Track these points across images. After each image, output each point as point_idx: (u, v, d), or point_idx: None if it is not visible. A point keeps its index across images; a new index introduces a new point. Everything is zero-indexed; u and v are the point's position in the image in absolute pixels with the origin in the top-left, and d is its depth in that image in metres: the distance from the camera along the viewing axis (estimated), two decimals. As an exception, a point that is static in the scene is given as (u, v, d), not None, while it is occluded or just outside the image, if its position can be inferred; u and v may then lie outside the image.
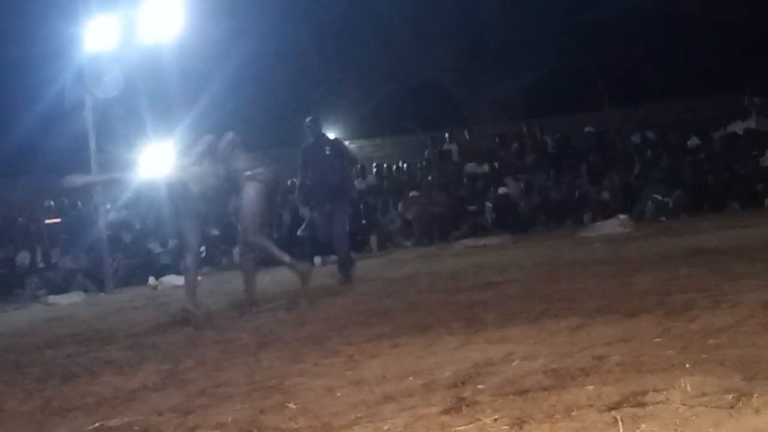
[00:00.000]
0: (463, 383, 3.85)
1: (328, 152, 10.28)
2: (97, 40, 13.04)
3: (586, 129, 17.64)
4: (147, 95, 15.84)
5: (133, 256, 15.32)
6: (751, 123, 15.41)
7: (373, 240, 15.37)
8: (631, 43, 20.95)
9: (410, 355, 4.72)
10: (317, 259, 13.66)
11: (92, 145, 13.64)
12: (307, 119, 10.55)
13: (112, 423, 3.95)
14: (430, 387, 3.87)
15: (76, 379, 5.29)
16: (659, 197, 14.26)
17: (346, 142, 14.73)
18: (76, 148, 14.74)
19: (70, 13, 13.44)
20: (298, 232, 15.46)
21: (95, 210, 14.66)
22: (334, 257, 13.86)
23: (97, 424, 3.96)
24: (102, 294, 13.03)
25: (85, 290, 13.35)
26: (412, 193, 16.57)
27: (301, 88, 17.96)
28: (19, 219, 17.12)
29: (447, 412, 3.39)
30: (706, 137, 15.85)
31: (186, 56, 15.91)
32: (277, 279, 10.29)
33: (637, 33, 21.03)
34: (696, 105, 18.77)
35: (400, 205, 16.41)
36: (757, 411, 2.92)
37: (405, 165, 18.96)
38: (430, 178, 17.19)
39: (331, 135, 13.78)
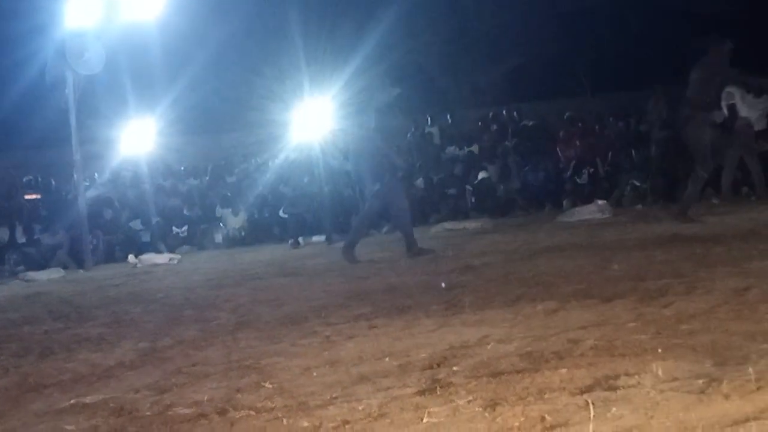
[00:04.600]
0: (438, 365, 3.88)
1: None
2: (78, 16, 12.94)
3: (567, 114, 17.68)
4: (129, 72, 15.79)
5: (114, 233, 15.29)
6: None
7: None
8: (613, 31, 21.01)
9: (387, 337, 4.74)
10: (300, 239, 13.69)
11: (73, 121, 13.57)
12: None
13: (88, 400, 3.96)
14: (406, 368, 3.89)
15: (52, 356, 5.28)
16: (637, 183, 14.35)
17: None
18: (57, 125, 14.67)
19: (51, -12, 13.32)
20: (281, 213, 15.47)
21: (75, 186, 14.61)
22: (315, 237, 13.94)
23: (73, 401, 3.96)
24: (81, 271, 12.99)
25: (65, 267, 13.31)
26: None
27: (285, 68, 17.89)
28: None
29: (421, 393, 3.41)
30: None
31: (168, 34, 15.84)
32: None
33: (620, 21, 21.10)
34: (677, 93, 18.83)
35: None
36: (726, 396, 2.96)
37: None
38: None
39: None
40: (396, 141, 10.53)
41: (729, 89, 11.70)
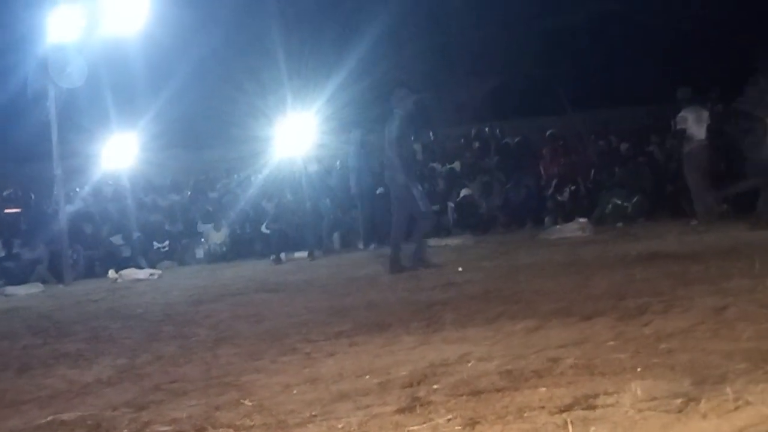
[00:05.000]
0: (418, 383, 3.88)
1: None
2: (60, 29, 12.91)
3: (549, 132, 17.75)
4: (111, 86, 15.74)
5: (94, 248, 15.19)
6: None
7: (336, 238, 15.37)
8: (594, 49, 21.15)
9: (368, 354, 4.74)
10: (282, 255, 13.65)
11: (54, 135, 13.51)
12: None
13: (65, 417, 3.93)
14: (386, 386, 3.89)
15: (30, 372, 5.25)
16: (618, 201, 14.41)
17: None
18: (38, 138, 14.59)
19: (33, 1, 13.29)
20: (263, 228, 15.42)
21: (56, 201, 14.51)
22: (297, 253, 13.90)
23: (50, 418, 3.94)
24: (61, 286, 12.90)
25: (44, 282, 13.21)
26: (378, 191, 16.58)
27: (266, 81, 17.90)
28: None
29: (401, 411, 3.41)
30: (666, 144, 16.01)
31: (150, 48, 15.81)
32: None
33: (601, 39, 21.23)
34: (658, 111, 18.96)
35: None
36: (704, 416, 2.97)
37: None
38: None
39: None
40: (410, 150, 10.69)
41: (683, 113, 11.78)
